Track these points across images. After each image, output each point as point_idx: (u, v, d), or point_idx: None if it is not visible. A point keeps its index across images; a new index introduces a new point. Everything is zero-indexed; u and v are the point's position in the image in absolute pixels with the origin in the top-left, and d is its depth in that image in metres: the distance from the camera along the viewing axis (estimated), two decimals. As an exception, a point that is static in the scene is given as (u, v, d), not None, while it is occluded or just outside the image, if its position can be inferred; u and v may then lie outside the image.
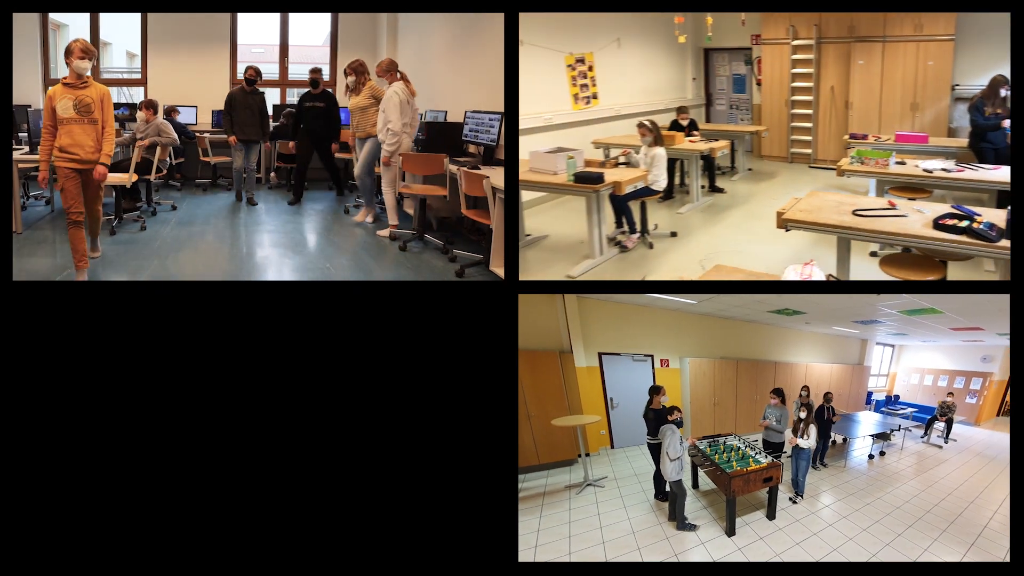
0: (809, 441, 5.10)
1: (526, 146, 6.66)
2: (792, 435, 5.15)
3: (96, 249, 5.67)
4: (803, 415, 5.19)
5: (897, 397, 11.35)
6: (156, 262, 5.76)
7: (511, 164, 5.27)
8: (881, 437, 7.28)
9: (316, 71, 8.13)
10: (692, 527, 4.28)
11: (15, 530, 3.26)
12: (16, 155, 6.41)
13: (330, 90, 8.42)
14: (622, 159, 6.41)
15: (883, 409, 10.31)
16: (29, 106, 7.72)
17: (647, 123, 6.23)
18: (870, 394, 11.11)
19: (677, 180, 8.18)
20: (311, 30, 11.68)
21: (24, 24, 9.41)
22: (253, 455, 3.38)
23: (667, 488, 4.53)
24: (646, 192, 6.09)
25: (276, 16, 11.11)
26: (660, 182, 6.18)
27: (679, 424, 4.52)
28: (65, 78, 4.85)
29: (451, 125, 7.22)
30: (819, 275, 3.34)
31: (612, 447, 6.76)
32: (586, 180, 5.51)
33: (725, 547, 4.02)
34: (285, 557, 3.35)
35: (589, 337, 6.62)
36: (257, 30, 11.69)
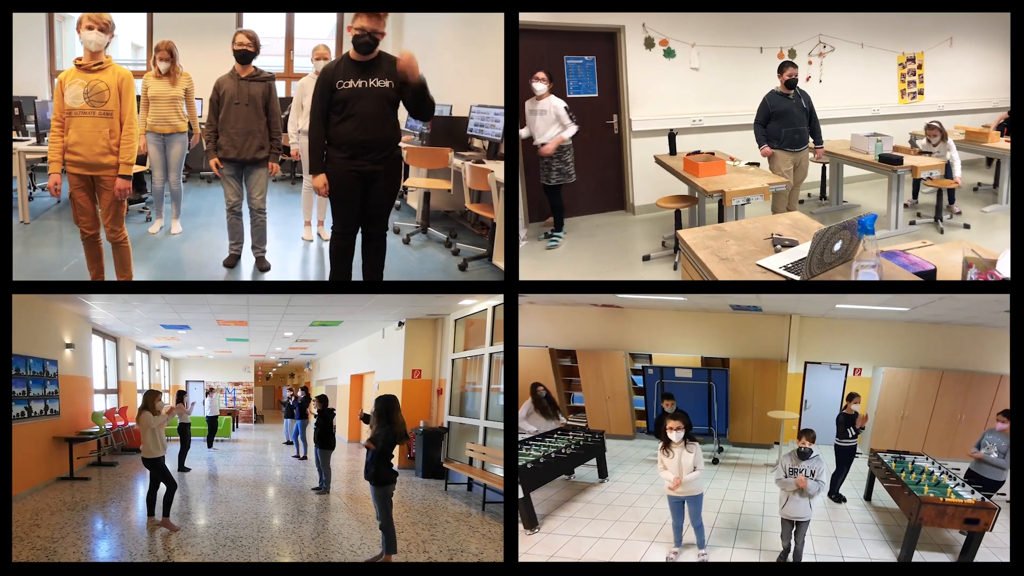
0: None
1: (847, 131, 7.54)
2: None
3: (126, 271, 4.22)
4: None
5: None
6: (162, 253, 5.80)
7: (511, 160, 5.30)
8: None
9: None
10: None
11: None
12: (23, 146, 6.45)
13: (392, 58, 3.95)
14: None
15: None
16: (36, 97, 7.76)
17: (935, 124, 7.09)
18: None
19: (991, 179, 8.27)
20: (317, 23, 11.66)
21: (30, 15, 9.43)
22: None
23: (837, 492, 5.00)
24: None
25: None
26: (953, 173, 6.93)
27: (806, 454, 3.82)
28: (78, 59, 3.85)
29: (456, 119, 7.20)
30: None
31: (798, 441, 7.87)
32: (887, 160, 6.65)
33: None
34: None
35: (802, 348, 7.59)
36: (263, 22, 11.69)
